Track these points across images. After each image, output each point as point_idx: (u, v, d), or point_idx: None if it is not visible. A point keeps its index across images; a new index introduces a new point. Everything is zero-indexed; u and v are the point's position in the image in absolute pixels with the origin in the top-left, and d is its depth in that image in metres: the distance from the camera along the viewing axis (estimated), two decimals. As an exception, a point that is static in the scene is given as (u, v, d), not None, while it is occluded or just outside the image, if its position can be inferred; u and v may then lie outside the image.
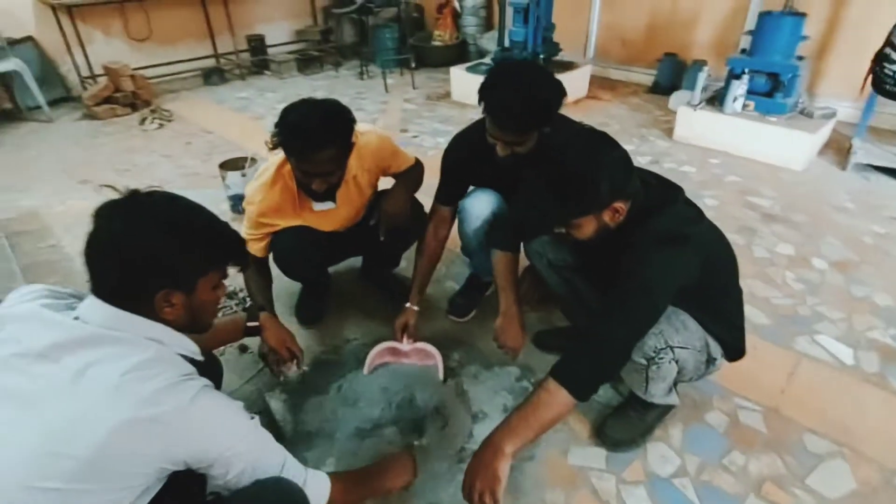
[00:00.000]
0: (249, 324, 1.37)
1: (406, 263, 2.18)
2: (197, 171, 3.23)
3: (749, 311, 1.90)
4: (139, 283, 0.84)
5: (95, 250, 0.84)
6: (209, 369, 1.19)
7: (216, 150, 3.53)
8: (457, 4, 5.31)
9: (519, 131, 1.37)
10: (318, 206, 1.63)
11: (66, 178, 3.19)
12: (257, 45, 5.37)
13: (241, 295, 2.06)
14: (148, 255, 0.83)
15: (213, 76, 5.10)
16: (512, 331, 1.47)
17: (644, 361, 1.21)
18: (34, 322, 0.81)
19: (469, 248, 1.82)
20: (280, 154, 1.51)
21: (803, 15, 3.04)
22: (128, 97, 4.26)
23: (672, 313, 1.21)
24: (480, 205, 1.67)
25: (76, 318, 0.83)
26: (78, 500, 0.73)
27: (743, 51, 3.42)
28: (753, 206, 2.69)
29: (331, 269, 2.07)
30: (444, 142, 3.55)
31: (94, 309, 0.83)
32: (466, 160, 1.63)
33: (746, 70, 3.18)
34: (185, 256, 0.86)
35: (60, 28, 4.27)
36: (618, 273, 1.12)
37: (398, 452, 1.35)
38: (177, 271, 0.86)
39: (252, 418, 0.92)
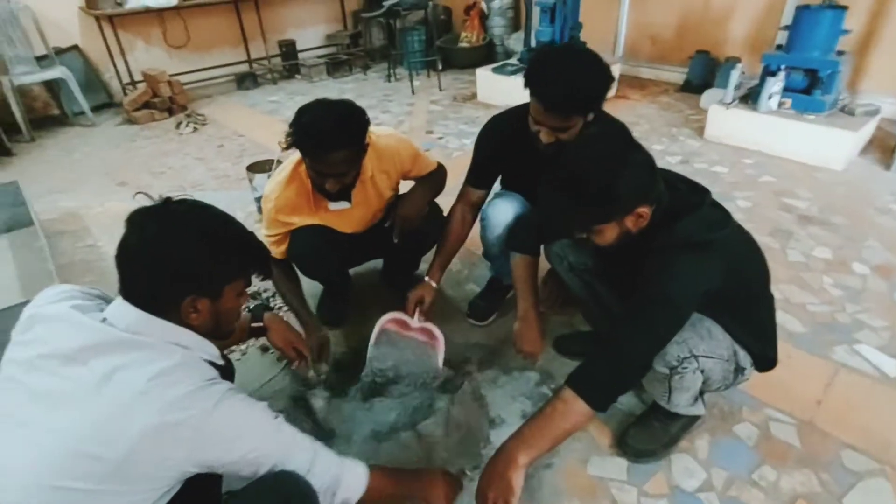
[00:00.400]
0: (254, 325, 1.38)
1: (426, 266, 2.18)
2: (227, 174, 3.32)
3: (782, 317, 1.82)
4: (169, 288, 0.86)
5: (128, 255, 0.86)
6: (224, 371, 1.23)
7: (246, 153, 3.61)
8: (484, 6, 5.29)
9: (568, 115, 1.34)
10: (334, 206, 1.64)
11: (107, 179, 3.33)
12: (288, 49, 5.47)
13: (264, 296, 2.10)
14: (179, 261, 0.85)
15: (246, 81, 5.23)
16: (530, 336, 1.45)
17: (666, 371, 1.16)
18: (63, 324, 0.83)
19: (491, 254, 1.80)
20: (298, 153, 1.53)
21: (844, 8, 2.90)
22: (165, 102, 4.41)
23: (697, 320, 1.16)
24: (502, 211, 1.65)
25: (104, 320, 0.85)
26: (103, 500, 0.75)
27: (779, 47, 3.28)
28: (789, 207, 2.58)
29: (352, 272, 2.08)
30: (469, 143, 3.54)
31: (123, 312, 0.85)
32: (503, 145, 1.59)
33: (782, 67, 3.05)
34: (214, 264, 0.88)
35: (103, 37, 4.46)
36: (639, 278, 1.09)
37: (450, 474, 1.31)
38: (205, 278, 0.88)
39: (276, 417, 0.93)
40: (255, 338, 1.43)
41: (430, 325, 1.66)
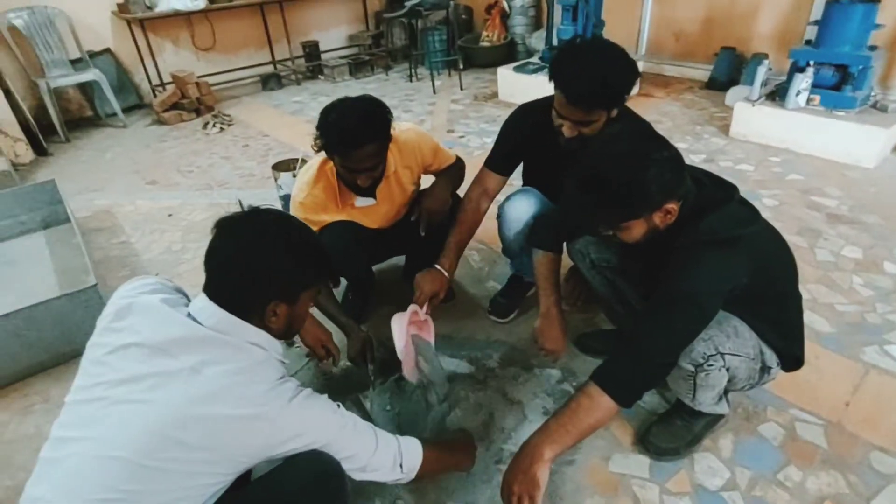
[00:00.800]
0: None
1: (449, 263, 2.20)
2: (253, 173, 3.39)
3: (810, 317, 1.79)
4: (256, 294, 0.92)
5: (220, 260, 0.93)
6: None
7: (271, 153, 3.68)
8: (505, 5, 5.28)
9: (591, 109, 1.34)
10: (360, 203, 1.68)
11: (137, 178, 3.43)
12: (312, 50, 5.55)
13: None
14: (270, 270, 0.92)
15: (271, 82, 5.32)
16: (552, 333, 1.45)
17: (692, 368, 1.16)
18: (155, 316, 0.90)
19: (510, 251, 1.81)
20: (323, 153, 1.57)
21: (876, 1, 2.82)
22: (193, 103, 4.52)
23: (723, 318, 1.15)
24: (520, 208, 1.66)
25: (189, 315, 0.91)
26: (191, 476, 0.83)
27: (808, 42, 3.21)
28: (817, 206, 2.53)
29: (374, 269, 2.12)
30: (490, 142, 3.53)
31: (209, 311, 0.91)
32: (529, 134, 1.59)
33: (811, 62, 2.99)
34: (296, 272, 0.95)
35: (134, 40, 4.59)
36: (664, 275, 1.09)
37: (464, 434, 1.43)
38: (288, 286, 0.95)
39: (339, 407, 1.02)
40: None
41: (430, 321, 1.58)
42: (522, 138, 1.62)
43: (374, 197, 1.68)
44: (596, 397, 1.05)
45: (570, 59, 1.33)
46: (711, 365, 1.14)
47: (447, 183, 1.77)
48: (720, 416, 1.40)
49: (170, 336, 0.86)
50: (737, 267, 1.05)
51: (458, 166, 1.84)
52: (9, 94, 3.73)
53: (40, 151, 3.88)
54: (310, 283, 0.99)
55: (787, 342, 1.25)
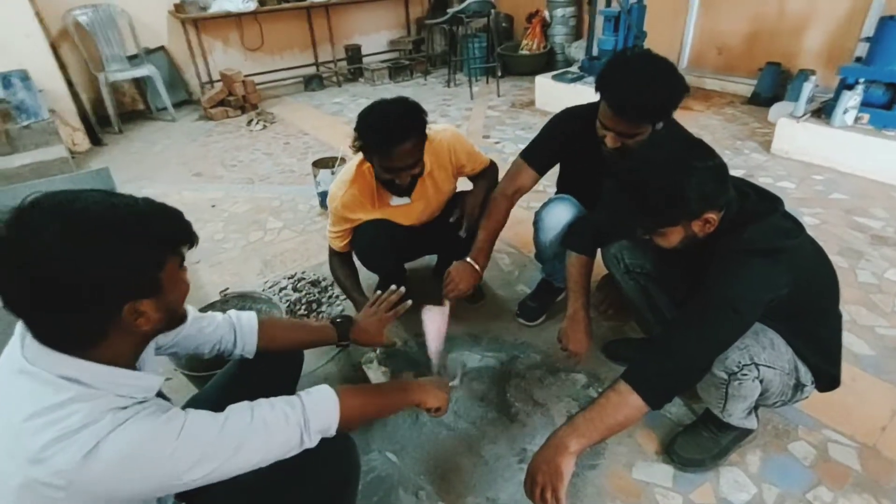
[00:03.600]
0: (341, 343, 1.35)
1: (480, 265, 2.23)
2: (293, 169, 3.50)
3: (849, 339, 1.75)
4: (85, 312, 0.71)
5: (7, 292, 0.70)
6: (286, 365, 1.28)
7: (311, 150, 3.79)
8: (546, 14, 5.31)
9: (636, 122, 1.35)
10: (396, 202, 1.73)
11: (184, 170, 3.59)
12: (354, 54, 5.69)
13: (323, 283, 2.21)
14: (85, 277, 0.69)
15: (313, 82, 5.48)
16: (577, 335, 1.46)
17: (725, 376, 1.15)
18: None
19: (543, 257, 1.83)
20: (360, 154, 1.62)
21: (935, 20, 2.73)
22: (238, 101, 4.70)
23: (760, 330, 1.15)
24: (556, 215, 1.67)
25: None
26: None
27: (858, 59, 3.13)
28: (861, 226, 2.45)
29: (406, 267, 2.16)
30: (525, 149, 3.58)
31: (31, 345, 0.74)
32: (571, 137, 1.60)
33: (861, 80, 2.91)
34: (127, 263, 0.71)
35: (187, 39, 4.80)
36: (703, 281, 1.09)
37: (432, 377, 1.29)
38: (130, 280, 0.72)
39: (225, 419, 0.81)
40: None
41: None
42: (564, 140, 1.63)
43: (410, 196, 1.73)
44: (625, 395, 1.05)
45: (619, 71, 1.35)
46: (745, 375, 1.13)
47: (485, 187, 1.81)
48: (748, 432, 1.38)
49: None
50: (778, 277, 1.05)
51: (493, 170, 1.88)
52: (71, 86, 3.96)
53: (95, 141, 4.10)
54: (157, 260, 0.75)
55: (823, 360, 1.23)
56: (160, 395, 0.89)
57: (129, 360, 0.80)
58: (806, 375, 1.23)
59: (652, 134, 1.39)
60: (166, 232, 0.77)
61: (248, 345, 1.17)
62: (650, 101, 1.31)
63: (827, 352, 1.25)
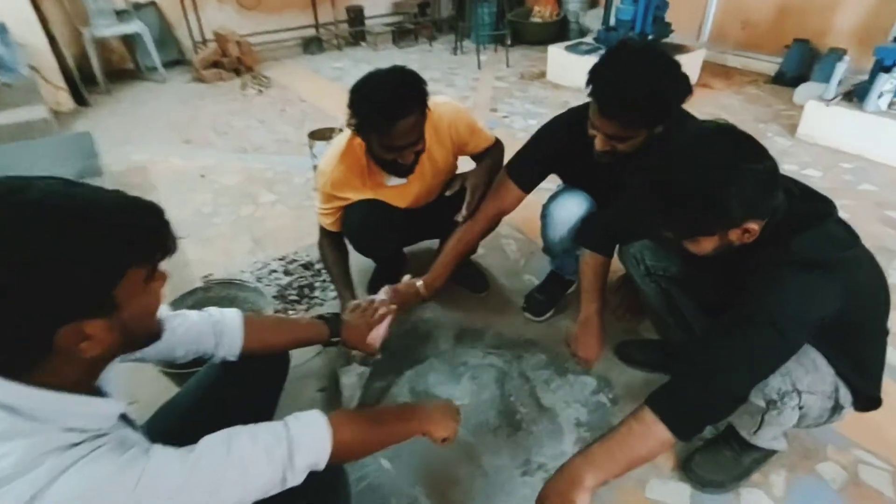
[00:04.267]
0: (333, 339, 1.25)
1: (484, 251, 2.09)
2: (288, 139, 3.31)
3: (881, 348, 1.62)
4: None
5: None
6: (272, 368, 1.16)
7: (308, 119, 3.59)
8: (561, -21, 5.01)
9: (626, 125, 1.20)
10: (391, 182, 1.56)
11: (173, 135, 3.39)
12: (356, 16, 5.39)
13: (316, 266, 2.06)
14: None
15: (312, 45, 5.20)
16: (588, 341, 1.34)
17: (763, 404, 1.03)
18: None
19: (552, 252, 1.68)
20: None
21: None
22: (233, 62, 4.45)
23: (802, 351, 1.01)
24: (568, 209, 1.52)
25: None
26: None
27: (897, 39, 2.92)
28: (893, 221, 2.30)
29: (406, 251, 2.02)
30: (535, 124, 3.35)
31: None
32: (560, 149, 1.47)
33: (901, 62, 2.71)
34: (67, 274, 0.57)
35: (179, -7, 4.51)
36: (738, 294, 0.96)
37: (439, 401, 1.16)
38: (67, 297, 0.58)
39: (192, 454, 0.69)
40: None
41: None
42: (553, 153, 1.48)
43: (406, 177, 1.56)
44: (651, 425, 0.93)
45: (612, 67, 1.18)
46: (786, 402, 1.00)
47: (490, 167, 1.64)
48: (774, 451, 1.26)
49: None
50: (830, 294, 0.91)
51: (498, 149, 1.71)
52: (53, 42, 3.72)
53: (80, 101, 3.88)
54: (113, 271, 0.61)
55: (866, 381, 1.10)
56: (124, 417, 0.75)
57: (84, 384, 0.66)
58: (846, 397, 1.10)
59: (650, 140, 1.22)
60: (132, 235, 0.62)
61: (231, 346, 1.04)
62: (642, 103, 1.14)
63: (870, 371, 1.12)
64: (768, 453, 1.27)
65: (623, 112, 1.18)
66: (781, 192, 0.93)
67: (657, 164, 0.94)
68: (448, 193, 1.62)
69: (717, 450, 1.29)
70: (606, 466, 0.92)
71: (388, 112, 1.29)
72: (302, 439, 0.77)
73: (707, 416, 0.95)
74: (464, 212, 1.53)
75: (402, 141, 1.35)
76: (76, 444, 0.59)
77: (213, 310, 1.05)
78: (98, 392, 0.70)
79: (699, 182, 0.88)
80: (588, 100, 1.27)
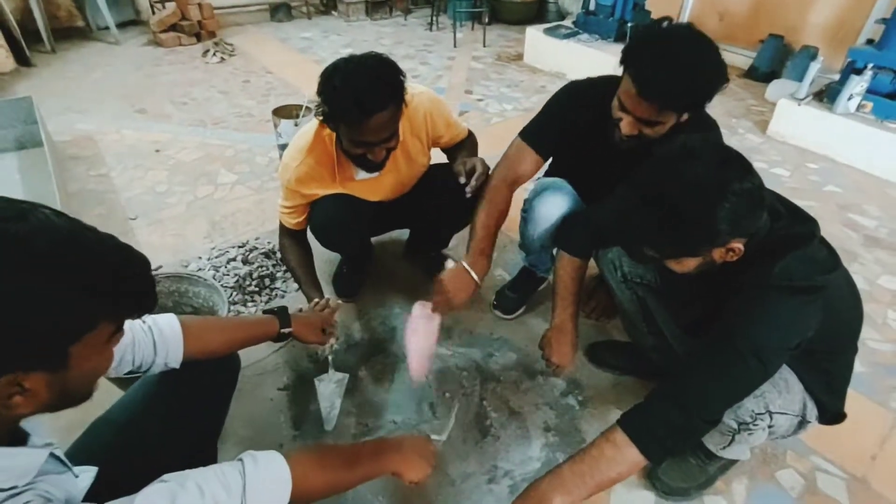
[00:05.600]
0: (283, 330, 1.15)
1: (456, 242, 2.02)
2: (252, 113, 3.13)
3: (841, 353, 1.65)
4: None
5: None
6: (219, 373, 1.07)
7: (273, 92, 3.41)
8: (542, -43, 4.88)
9: (665, 107, 1.14)
10: (362, 175, 1.47)
11: (125, 104, 3.16)
12: (327, -18, 5.14)
13: (278, 255, 1.95)
14: None
15: (280, 12, 4.93)
16: (562, 347, 1.29)
17: (735, 426, 1.01)
18: None
19: (529, 248, 1.62)
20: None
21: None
22: (193, 27, 4.17)
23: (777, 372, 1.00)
24: (551, 206, 1.45)
25: None
26: None
27: (869, 41, 2.95)
28: (854, 225, 2.35)
29: (375, 241, 1.94)
30: (510, 109, 3.29)
31: None
32: (579, 123, 1.35)
33: (870, 65, 2.74)
34: (38, 320, 0.52)
35: (133, -53, 4.18)
36: (717, 310, 0.93)
37: (415, 437, 1.10)
38: (27, 345, 0.52)
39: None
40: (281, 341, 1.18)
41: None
42: (570, 125, 1.37)
43: (376, 171, 1.46)
44: (623, 448, 0.90)
45: (655, 46, 1.11)
46: (757, 424, 0.99)
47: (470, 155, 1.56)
48: (737, 460, 1.27)
49: None
50: (810, 319, 0.89)
51: (473, 142, 1.63)
52: (-11, -8, 3.39)
53: (23, 61, 3.56)
54: (77, 326, 0.55)
55: (833, 397, 1.10)
56: (55, 456, 0.65)
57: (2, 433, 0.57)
58: (812, 412, 1.10)
59: (679, 131, 1.17)
60: (114, 294, 0.57)
61: (171, 354, 0.95)
62: (685, 85, 1.09)
63: (838, 387, 1.12)
64: (731, 461, 1.27)
65: (665, 93, 1.11)
66: (764, 211, 0.90)
67: (649, 178, 0.89)
68: (463, 182, 1.38)
69: (682, 459, 1.28)
70: (576, 490, 0.89)
71: (361, 105, 1.18)
72: (258, 492, 0.69)
73: (681, 441, 0.93)
74: (473, 182, 1.36)
75: (374, 137, 1.25)
76: None
77: (147, 317, 0.95)
78: (17, 434, 0.60)
79: (693, 202, 0.83)
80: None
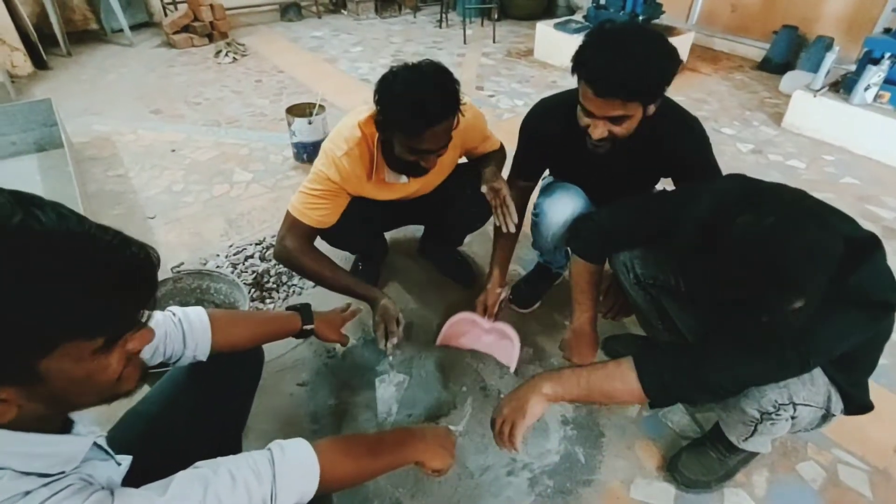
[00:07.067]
0: (306, 327, 1.17)
1: (470, 238, 2.02)
2: (264, 112, 3.15)
3: (861, 346, 1.64)
4: None
5: None
6: (245, 366, 1.09)
7: (285, 91, 3.43)
8: (551, -49, 4.86)
9: (628, 99, 1.14)
10: (392, 178, 1.46)
11: (140, 105, 3.20)
12: (336, -19, 5.16)
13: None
14: None
15: (290, 11, 4.96)
16: (582, 349, 1.30)
17: (758, 415, 1.01)
18: None
19: (543, 249, 1.63)
20: (361, 111, 1.36)
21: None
22: (205, 27, 4.21)
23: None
24: (561, 208, 1.45)
25: None
26: None
27: (887, 30, 2.90)
28: (872, 216, 2.32)
29: (389, 238, 1.95)
30: (521, 105, 3.29)
31: None
32: (551, 138, 1.40)
33: (888, 54, 2.70)
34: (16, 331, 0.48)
35: (145, -51, 4.23)
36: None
37: (436, 427, 1.10)
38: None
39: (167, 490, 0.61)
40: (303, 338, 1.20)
41: (501, 325, 1.57)
42: (545, 144, 1.42)
43: (417, 177, 1.45)
44: (626, 371, 0.94)
45: (599, 46, 1.12)
46: (780, 414, 0.99)
47: (498, 170, 1.55)
48: (758, 452, 1.26)
49: None
50: (869, 332, 0.89)
51: (502, 156, 1.63)
52: (7, -2, 3.44)
53: (39, 64, 3.62)
54: (46, 340, 0.50)
55: (858, 389, 1.09)
56: (98, 445, 0.67)
57: (45, 421, 0.57)
58: (837, 405, 1.09)
59: (652, 126, 1.20)
60: (101, 309, 0.52)
61: (200, 346, 0.97)
62: (637, 71, 1.09)
63: (863, 380, 1.11)
64: (752, 454, 1.27)
65: (621, 85, 1.12)
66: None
67: (761, 233, 0.78)
68: (486, 192, 1.42)
69: (703, 451, 1.28)
70: (568, 384, 0.95)
71: (424, 114, 1.18)
72: (287, 479, 0.71)
73: (683, 391, 0.96)
74: (511, 227, 1.39)
75: (433, 145, 1.25)
76: (29, 492, 0.52)
77: (176, 309, 0.97)
78: (64, 424, 0.62)
79: (801, 269, 0.78)
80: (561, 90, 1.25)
